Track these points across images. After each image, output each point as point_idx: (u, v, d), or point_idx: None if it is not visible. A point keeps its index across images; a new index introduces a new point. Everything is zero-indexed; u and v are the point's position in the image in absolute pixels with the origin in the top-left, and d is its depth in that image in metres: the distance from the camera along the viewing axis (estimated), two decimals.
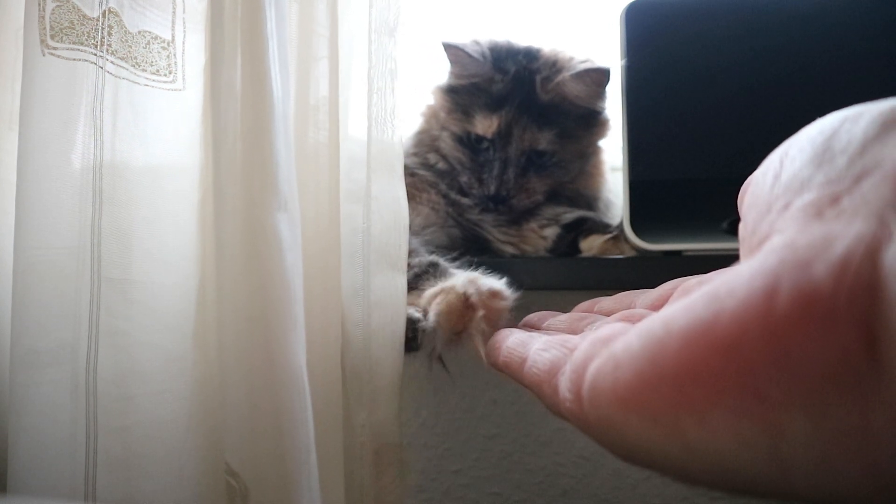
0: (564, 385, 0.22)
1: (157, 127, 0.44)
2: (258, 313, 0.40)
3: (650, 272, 0.55)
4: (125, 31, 0.43)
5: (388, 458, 0.49)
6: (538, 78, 0.63)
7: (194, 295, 0.45)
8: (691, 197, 0.56)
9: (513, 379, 0.29)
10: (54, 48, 0.40)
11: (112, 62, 0.42)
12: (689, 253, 0.56)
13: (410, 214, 0.50)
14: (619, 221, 0.59)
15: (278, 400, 0.39)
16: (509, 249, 0.63)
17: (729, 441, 0.16)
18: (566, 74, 0.61)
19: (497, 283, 0.43)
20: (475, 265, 0.51)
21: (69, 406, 0.40)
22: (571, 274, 0.57)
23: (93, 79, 0.41)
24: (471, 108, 0.64)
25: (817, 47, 0.56)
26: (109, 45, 0.42)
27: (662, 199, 0.57)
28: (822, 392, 0.14)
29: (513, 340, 0.31)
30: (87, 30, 0.42)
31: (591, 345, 0.21)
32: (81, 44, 0.41)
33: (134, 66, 0.43)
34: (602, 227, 0.62)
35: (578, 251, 0.62)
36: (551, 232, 0.63)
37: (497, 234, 0.63)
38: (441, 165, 0.66)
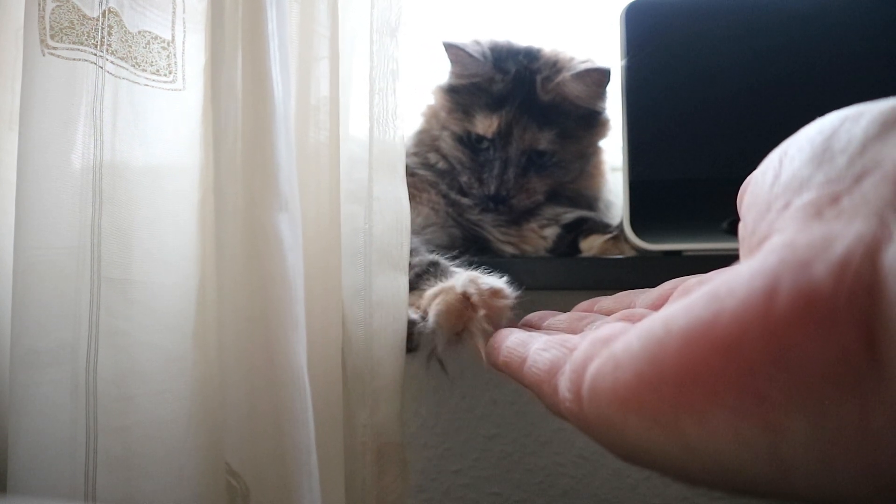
0: (564, 385, 0.22)
1: (157, 127, 0.44)
2: (259, 313, 0.40)
3: (650, 272, 0.55)
4: (125, 31, 0.43)
5: (389, 458, 0.49)
6: (539, 78, 0.63)
7: (194, 295, 0.45)
8: (691, 197, 0.56)
9: (512, 379, 0.29)
10: (54, 48, 0.40)
11: (112, 62, 0.42)
12: (689, 253, 0.56)
13: (411, 214, 0.50)
14: (619, 221, 0.59)
15: (279, 400, 0.39)
16: (509, 249, 0.63)
17: (729, 441, 0.16)
18: (566, 74, 0.61)
19: (498, 282, 0.43)
20: (475, 265, 0.51)
21: (69, 406, 0.40)
22: (571, 274, 0.57)
23: (93, 79, 0.41)
24: (471, 107, 0.64)
25: (817, 47, 0.56)
26: (109, 45, 0.42)
27: (662, 199, 0.57)
28: (822, 392, 0.14)
29: (513, 340, 0.31)
30: (87, 30, 0.42)
31: (591, 345, 0.21)
32: (81, 44, 0.41)
33: (134, 66, 0.43)
34: (602, 227, 0.62)
35: (578, 251, 0.62)
36: (551, 232, 0.63)
37: (497, 234, 0.63)
38: (441, 165, 0.66)
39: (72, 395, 0.41)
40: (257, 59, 0.41)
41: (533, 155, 0.63)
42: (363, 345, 0.48)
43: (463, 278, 0.43)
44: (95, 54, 0.42)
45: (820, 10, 0.56)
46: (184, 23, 0.46)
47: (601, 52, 0.65)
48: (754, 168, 0.21)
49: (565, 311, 0.40)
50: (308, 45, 0.48)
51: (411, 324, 0.46)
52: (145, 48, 0.44)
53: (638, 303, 0.35)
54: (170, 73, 0.45)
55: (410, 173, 0.61)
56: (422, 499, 0.66)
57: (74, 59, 0.41)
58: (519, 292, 0.43)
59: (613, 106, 0.63)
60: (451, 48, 0.63)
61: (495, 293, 0.42)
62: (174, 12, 0.45)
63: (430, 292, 0.45)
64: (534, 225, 0.64)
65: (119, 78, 0.43)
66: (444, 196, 0.64)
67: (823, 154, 0.18)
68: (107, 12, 0.42)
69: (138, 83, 0.43)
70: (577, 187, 0.67)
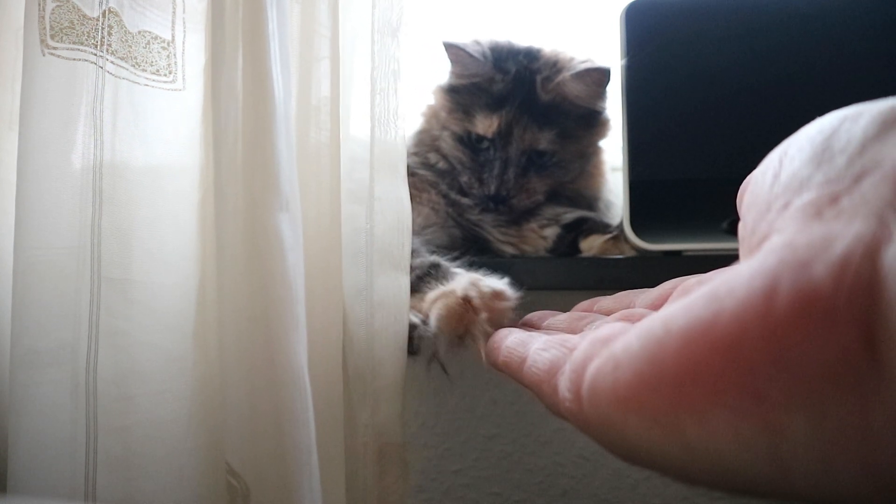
0: (564, 385, 0.22)
1: (157, 127, 0.44)
2: (259, 313, 0.40)
3: (650, 272, 0.55)
4: (125, 31, 0.43)
5: (390, 458, 0.49)
6: (539, 78, 0.63)
7: (195, 295, 0.45)
8: (691, 197, 0.56)
9: (512, 379, 0.29)
10: (54, 48, 0.40)
11: (112, 62, 0.42)
12: (689, 253, 0.56)
13: (411, 214, 0.50)
14: (619, 221, 0.59)
15: (279, 400, 0.39)
16: (509, 249, 0.63)
17: (729, 441, 0.16)
18: (566, 74, 0.61)
19: (499, 284, 0.43)
20: (475, 265, 0.51)
21: (69, 406, 0.40)
22: (571, 274, 0.57)
23: (93, 79, 0.41)
24: (471, 107, 0.64)
25: (817, 47, 0.56)
26: (109, 45, 0.42)
27: (662, 199, 0.57)
28: (822, 392, 0.14)
29: (512, 340, 0.31)
30: (87, 30, 0.42)
31: (591, 344, 0.21)
32: (81, 44, 0.41)
33: (134, 66, 0.43)
34: (602, 227, 0.62)
35: (578, 251, 0.62)
36: (551, 232, 0.63)
37: (497, 235, 0.63)
38: (441, 165, 0.66)
39: (72, 395, 0.41)
40: (258, 59, 0.41)
41: (533, 155, 0.63)
42: (364, 345, 0.48)
43: (464, 281, 0.43)
44: (95, 54, 0.42)
45: (820, 10, 0.56)
46: (184, 23, 0.46)
47: (601, 53, 0.65)
48: (754, 168, 0.21)
49: (565, 311, 0.40)
50: (309, 45, 0.48)
51: (413, 327, 0.46)
52: (145, 48, 0.44)
53: (637, 303, 0.35)
54: (170, 73, 0.45)
55: (410, 173, 0.61)
56: (422, 499, 0.66)
57: (74, 59, 0.41)
58: (520, 293, 0.43)
59: (613, 106, 0.63)
60: (451, 48, 0.63)
61: (496, 295, 0.41)
62: (174, 12, 0.45)
63: (431, 295, 0.45)
64: (534, 225, 0.64)
65: (119, 78, 0.43)
66: (445, 196, 0.64)
67: (823, 154, 0.18)
68: (107, 12, 0.42)
69: (138, 83, 0.43)
70: (577, 187, 0.67)
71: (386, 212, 0.49)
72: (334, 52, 0.48)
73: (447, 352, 0.43)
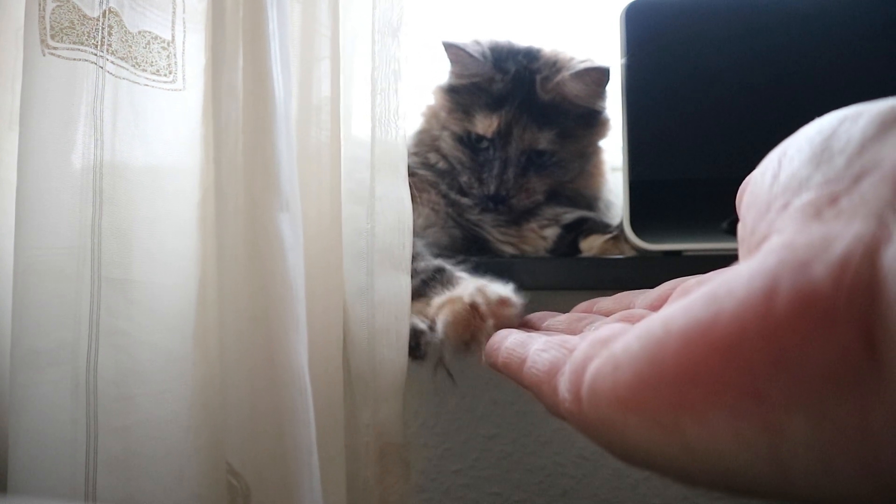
0: (564, 386, 0.22)
1: (157, 127, 0.44)
2: (260, 313, 0.40)
3: (650, 272, 0.55)
4: (125, 31, 0.43)
5: (392, 458, 0.49)
6: (538, 77, 0.63)
7: (195, 295, 0.45)
8: (691, 197, 0.56)
9: (512, 379, 0.29)
10: (54, 48, 0.40)
11: (112, 62, 0.42)
12: (689, 253, 0.56)
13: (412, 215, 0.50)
14: (619, 221, 0.59)
15: (280, 400, 0.39)
16: (509, 250, 0.63)
17: (728, 441, 0.16)
18: (566, 74, 0.61)
19: (505, 290, 0.43)
20: (476, 266, 0.51)
21: (69, 406, 0.41)
22: (571, 274, 0.57)
23: (93, 79, 0.42)
24: (471, 107, 0.64)
25: (817, 47, 0.56)
26: (110, 45, 0.42)
27: (662, 199, 0.57)
28: (822, 392, 0.14)
29: (512, 341, 0.31)
30: (88, 30, 0.42)
31: (591, 345, 0.21)
32: (82, 44, 0.41)
33: (134, 66, 0.43)
34: (602, 227, 0.62)
35: (578, 251, 0.62)
36: (551, 232, 0.63)
37: (497, 235, 0.63)
38: (441, 165, 0.66)
39: (72, 395, 0.41)
40: (258, 59, 0.41)
41: (532, 155, 0.63)
42: (366, 345, 0.48)
43: (470, 288, 0.43)
44: (96, 54, 0.42)
45: (820, 10, 0.56)
46: (184, 23, 0.46)
47: (601, 53, 0.65)
48: (754, 168, 0.21)
49: (565, 312, 0.40)
50: (310, 45, 0.48)
51: (419, 333, 0.46)
52: (145, 48, 0.44)
53: (637, 303, 0.35)
54: (170, 73, 0.45)
55: (410, 174, 0.61)
56: (422, 499, 0.66)
57: (75, 59, 0.41)
58: (525, 301, 0.43)
59: (613, 106, 0.63)
60: (450, 48, 0.63)
61: (503, 302, 0.42)
62: (174, 12, 0.45)
63: (437, 301, 0.45)
64: (534, 225, 0.64)
65: (119, 78, 0.43)
66: (445, 196, 0.64)
67: (822, 154, 0.18)
68: (107, 12, 0.42)
69: (138, 83, 0.43)
70: (576, 187, 0.67)
71: (387, 212, 0.49)
72: (335, 52, 0.48)
73: (453, 358, 0.43)
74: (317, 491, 0.41)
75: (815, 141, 0.19)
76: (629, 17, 0.58)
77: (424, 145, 0.67)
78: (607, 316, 0.35)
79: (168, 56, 0.45)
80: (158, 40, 0.45)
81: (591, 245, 0.61)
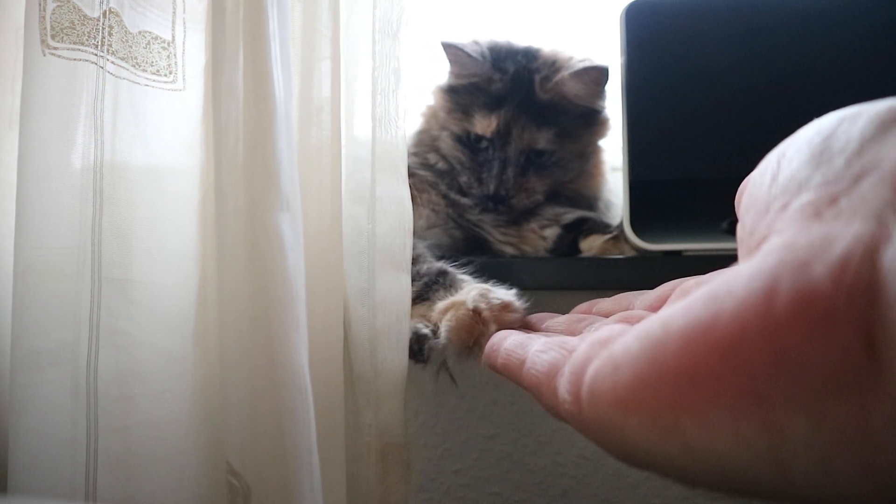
0: (563, 387, 0.22)
1: (157, 127, 0.44)
2: (260, 313, 0.40)
3: (650, 272, 0.55)
4: (125, 32, 0.43)
5: (393, 459, 0.49)
6: (537, 77, 0.63)
7: (195, 295, 0.45)
8: (691, 197, 0.56)
9: (511, 381, 0.29)
10: (55, 48, 0.41)
11: (112, 62, 0.42)
12: (689, 253, 0.56)
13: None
14: (619, 221, 0.59)
15: (280, 400, 0.40)
16: (509, 250, 0.63)
17: (728, 442, 0.16)
18: (565, 73, 0.61)
19: (508, 295, 0.43)
20: (477, 266, 0.51)
21: (70, 406, 0.41)
22: (571, 274, 0.57)
23: (93, 79, 0.42)
24: (470, 107, 0.64)
25: (817, 47, 0.56)
26: (110, 46, 0.42)
27: (662, 199, 0.57)
28: (822, 392, 0.14)
29: (511, 342, 0.31)
30: (88, 30, 0.42)
31: (590, 346, 0.21)
32: (82, 44, 0.41)
33: (134, 66, 0.43)
34: (602, 227, 0.62)
35: (578, 251, 0.62)
36: (551, 232, 0.63)
37: (497, 235, 0.63)
38: (441, 165, 0.66)
39: (72, 396, 0.41)
40: (258, 59, 0.41)
41: (532, 154, 0.63)
42: (367, 345, 0.48)
43: (473, 293, 0.44)
44: (96, 54, 0.42)
45: (820, 10, 0.56)
46: (184, 23, 0.46)
47: (601, 53, 0.65)
48: (754, 168, 0.21)
49: (565, 312, 0.40)
50: (311, 45, 0.48)
51: (423, 338, 0.46)
52: (146, 48, 0.44)
53: (637, 304, 0.35)
54: (170, 73, 0.45)
55: (410, 174, 0.61)
56: (422, 499, 0.66)
57: (75, 60, 0.41)
58: (527, 305, 0.43)
59: (613, 106, 0.62)
60: (449, 48, 0.63)
61: (505, 307, 0.42)
62: (174, 12, 0.45)
63: (440, 306, 0.46)
64: (534, 225, 0.64)
65: (119, 78, 0.43)
66: (444, 196, 0.64)
67: (821, 155, 0.18)
68: (107, 12, 0.42)
69: (139, 83, 0.44)
70: (576, 187, 0.67)
71: (387, 212, 0.49)
72: (335, 52, 0.48)
73: (456, 362, 0.44)
74: (317, 491, 0.41)
75: (814, 142, 0.19)
76: (629, 17, 0.58)
77: (424, 145, 0.67)
78: (607, 317, 0.35)
79: (168, 56, 0.45)
80: (159, 40, 0.45)
81: (591, 245, 0.61)
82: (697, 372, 0.16)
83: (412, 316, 0.48)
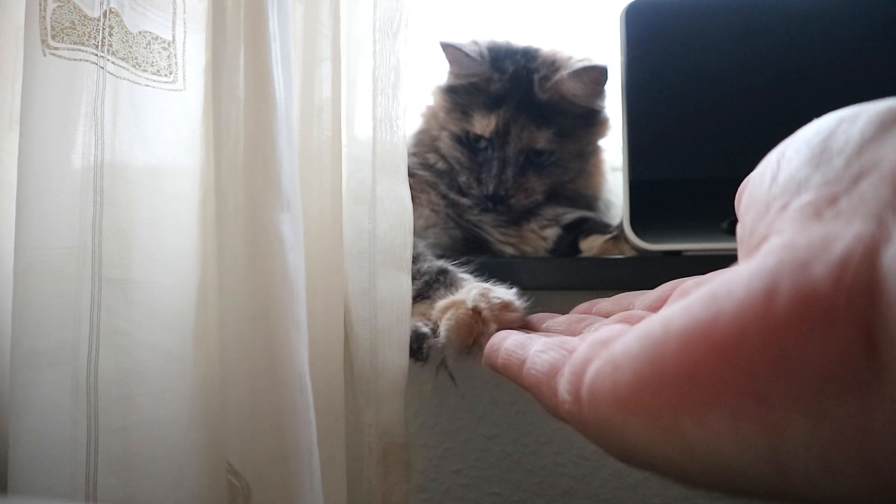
0: (563, 387, 0.22)
1: (157, 127, 0.44)
2: (260, 313, 0.40)
3: (650, 272, 0.55)
4: (126, 32, 0.43)
5: (394, 458, 0.49)
6: (536, 77, 0.63)
7: (195, 295, 0.45)
8: (691, 197, 0.56)
9: (511, 381, 0.29)
10: (55, 48, 0.41)
11: (113, 62, 0.42)
12: (689, 253, 0.56)
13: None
14: (619, 221, 0.59)
15: (280, 400, 0.40)
16: (509, 250, 0.63)
17: (728, 442, 0.16)
18: (564, 73, 0.61)
19: (508, 295, 0.43)
20: (477, 266, 0.51)
21: (70, 406, 0.41)
22: (571, 274, 0.57)
23: (93, 79, 0.42)
24: (469, 107, 0.64)
25: (817, 47, 0.56)
26: (110, 46, 0.42)
27: (662, 199, 0.57)
28: (822, 392, 0.14)
29: (511, 342, 0.31)
30: (88, 30, 0.42)
31: (590, 346, 0.21)
32: (82, 44, 0.41)
33: (135, 66, 0.43)
34: (602, 227, 0.62)
35: (578, 251, 0.62)
36: (551, 232, 0.63)
37: (497, 235, 0.63)
38: (440, 165, 0.66)
39: (72, 396, 0.41)
40: (259, 59, 0.41)
41: (531, 154, 0.63)
42: (368, 345, 0.48)
43: (473, 293, 0.44)
44: (96, 55, 0.42)
45: (820, 10, 0.56)
46: (184, 23, 0.46)
47: (601, 53, 0.65)
48: (754, 168, 0.21)
49: (565, 312, 0.40)
50: (311, 46, 0.48)
51: (422, 336, 0.46)
52: (146, 48, 0.44)
53: (636, 304, 0.35)
54: (170, 73, 0.45)
55: (409, 174, 0.61)
56: (422, 499, 0.66)
57: (75, 60, 0.41)
58: (528, 304, 0.43)
59: (613, 106, 0.62)
60: (448, 48, 0.63)
61: (505, 307, 0.42)
62: (175, 13, 0.45)
63: (440, 305, 0.46)
64: (534, 225, 0.64)
65: (120, 78, 0.43)
66: (444, 197, 0.64)
67: (821, 155, 0.18)
68: (108, 13, 0.42)
69: (139, 83, 0.44)
70: (576, 187, 0.67)
71: (388, 212, 0.49)
72: (336, 52, 0.48)
73: (456, 361, 0.44)
74: (317, 491, 0.41)
75: (813, 142, 0.19)
76: (629, 17, 0.58)
77: (423, 146, 0.67)
78: (607, 317, 0.35)
79: (168, 56, 0.45)
80: (159, 40, 0.45)
81: (591, 245, 0.61)
82: (697, 372, 0.16)
83: (412, 314, 0.48)
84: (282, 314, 0.40)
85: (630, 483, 0.64)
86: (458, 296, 0.45)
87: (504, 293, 0.43)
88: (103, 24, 0.42)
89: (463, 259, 0.53)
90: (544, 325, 0.39)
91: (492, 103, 0.63)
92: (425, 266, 0.51)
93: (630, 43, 0.58)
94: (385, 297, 0.48)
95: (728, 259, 0.20)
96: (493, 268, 0.52)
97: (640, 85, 0.58)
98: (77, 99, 0.41)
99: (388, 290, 0.48)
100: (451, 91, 0.66)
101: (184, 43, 0.46)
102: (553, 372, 0.24)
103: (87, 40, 0.41)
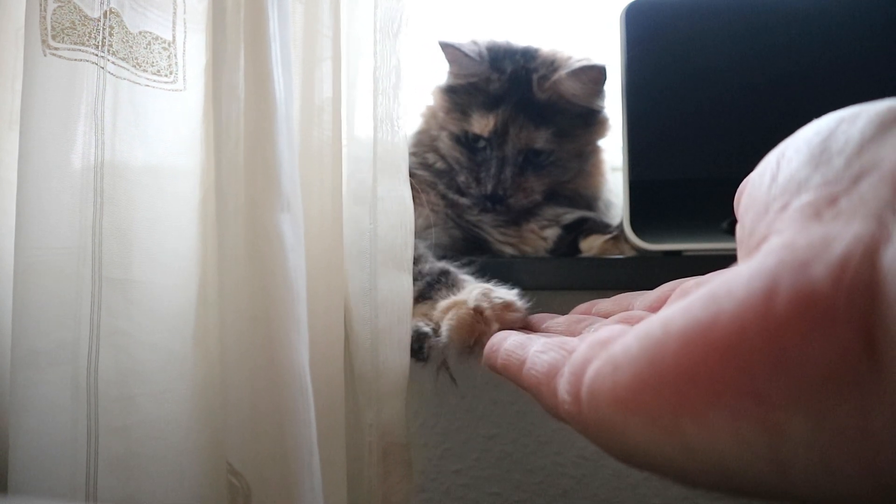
0: (563, 387, 0.22)
1: (157, 127, 0.44)
2: (260, 313, 0.40)
3: (650, 272, 0.55)
4: (126, 32, 0.43)
5: (395, 458, 0.49)
6: (535, 77, 0.63)
7: (195, 295, 0.45)
8: (691, 197, 0.56)
9: (511, 381, 0.29)
10: (55, 48, 0.41)
11: (113, 62, 0.42)
12: (689, 253, 0.56)
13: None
14: (619, 221, 0.59)
15: (281, 400, 0.40)
16: (509, 250, 0.63)
17: (728, 442, 0.16)
18: (562, 72, 0.61)
19: (509, 295, 0.43)
20: (477, 266, 0.51)
21: (70, 406, 0.41)
22: (571, 274, 0.57)
23: (94, 79, 0.42)
24: (468, 107, 0.64)
25: (817, 47, 0.56)
26: (110, 46, 0.42)
27: (662, 199, 0.57)
28: (822, 392, 0.14)
29: (511, 343, 0.31)
30: (89, 30, 0.42)
31: (590, 347, 0.21)
32: (83, 44, 0.41)
33: (135, 66, 0.43)
34: (602, 228, 0.62)
35: (578, 251, 0.62)
36: (552, 233, 0.63)
37: (497, 235, 0.63)
38: (439, 165, 0.66)
39: (73, 396, 0.41)
40: (259, 60, 0.41)
41: (530, 154, 0.63)
42: (369, 345, 0.48)
43: (475, 293, 0.44)
44: (97, 55, 0.42)
45: (820, 10, 0.56)
46: (185, 23, 0.46)
47: (601, 53, 0.65)
48: (754, 168, 0.21)
49: (565, 312, 0.40)
50: (312, 46, 0.48)
51: (424, 336, 0.46)
52: (146, 49, 0.44)
53: (636, 305, 0.35)
54: (171, 73, 0.45)
55: (409, 174, 0.61)
56: (422, 499, 0.66)
57: (76, 60, 0.41)
58: (529, 304, 0.43)
59: (613, 106, 0.62)
60: (447, 48, 0.63)
61: (507, 307, 0.42)
62: (175, 13, 0.45)
63: (442, 305, 0.46)
64: (534, 226, 0.63)
65: (120, 78, 0.43)
66: (443, 197, 0.64)
67: (821, 155, 0.18)
68: (108, 13, 0.42)
69: (139, 83, 0.44)
70: (575, 187, 0.67)
71: (389, 212, 0.49)
72: (336, 52, 0.48)
73: (457, 361, 0.44)
74: (317, 491, 0.41)
75: (813, 142, 0.19)
76: (629, 17, 0.58)
77: (423, 146, 0.67)
78: (606, 317, 0.35)
79: (169, 56, 0.45)
80: (159, 41, 0.45)
81: (591, 245, 0.61)
82: (697, 372, 0.16)
83: (414, 315, 0.48)
84: (282, 314, 0.40)
85: (630, 483, 0.64)
86: (460, 296, 0.45)
87: (506, 293, 0.44)
88: (103, 25, 0.42)
89: (464, 260, 0.53)
90: (544, 326, 0.39)
91: (490, 103, 0.63)
92: (427, 267, 0.51)
93: (630, 43, 0.58)
94: (386, 297, 0.48)
95: (728, 259, 0.20)
96: (493, 268, 0.52)
97: (640, 85, 0.58)
98: (77, 99, 0.41)
99: (388, 290, 0.48)
100: (450, 91, 0.65)
101: (184, 43, 0.46)
102: (553, 372, 0.24)
103: (88, 40, 0.42)
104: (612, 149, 0.67)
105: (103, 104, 0.42)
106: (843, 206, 0.16)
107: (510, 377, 0.29)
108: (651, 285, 0.35)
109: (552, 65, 0.63)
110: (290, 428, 0.40)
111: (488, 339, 0.39)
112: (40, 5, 0.40)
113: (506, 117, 0.62)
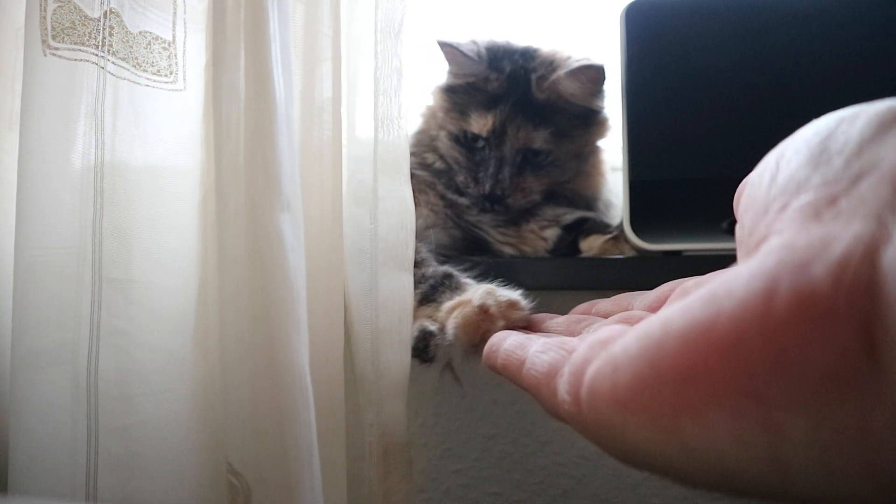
0: (563, 387, 0.22)
1: (157, 127, 0.44)
2: (260, 313, 0.40)
3: (650, 272, 0.55)
4: (126, 32, 0.43)
5: (395, 458, 0.49)
6: (534, 76, 0.62)
7: (196, 295, 0.45)
8: (691, 197, 0.56)
9: (511, 381, 0.29)
10: (56, 48, 0.41)
11: (113, 62, 0.42)
12: (689, 253, 0.56)
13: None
14: (619, 221, 0.59)
15: (281, 400, 0.40)
16: (508, 250, 0.63)
17: (728, 442, 0.16)
18: (560, 72, 0.61)
19: (514, 294, 0.43)
20: (479, 269, 0.51)
21: (70, 406, 0.41)
22: (571, 274, 0.57)
23: (94, 79, 0.42)
24: (467, 107, 0.64)
25: (817, 47, 0.56)
26: (111, 46, 0.42)
27: (662, 199, 0.57)
28: (822, 393, 0.14)
29: (511, 342, 0.31)
30: (89, 30, 0.42)
31: (590, 347, 0.21)
32: (83, 44, 0.41)
33: (135, 66, 0.43)
34: (602, 228, 0.62)
35: (578, 251, 0.62)
36: (551, 233, 0.63)
37: (496, 235, 0.63)
38: (438, 165, 0.66)
39: (73, 396, 0.41)
40: (259, 60, 0.41)
41: (528, 154, 0.63)
42: (369, 345, 0.48)
43: (480, 292, 0.44)
44: (97, 55, 0.42)
45: (820, 10, 0.56)
46: (185, 23, 0.46)
47: (602, 53, 0.64)
48: (754, 168, 0.21)
49: (565, 312, 0.40)
50: (312, 46, 0.48)
51: (429, 335, 0.46)
52: (146, 49, 0.44)
53: (636, 305, 0.35)
54: (171, 73, 0.45)
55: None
56: (422, 499, 0.66)
57: (76, 60, 0.41)
58: (533, 304, 0.43)
59: (613, 106, 0.62)
60: (446, 47, 0.63)
61: (512, 305, 0.42)
62: (175, 13, 0.45)
63: (447, 305, 0.46)
64: (533, 226, 0.63)
65: (120, 78, 0.43)
66: (442, 197, 0.64)
67: (820, 156, 0.18)
68: (108, 13, 0.42)
69: (139, 83, 0.44)
70: (574, 187, 0.67)
71: (390, 212, 0.49)
72: (336, 52, 0.48)
73: (463, 360, 0.44)
74: (317, 491, 0.41)
75: (812, 142, 0.19)
76: (629, 17, 0.58)
77: (422, 145, 0.67)
78: (606, 317, 0.35)
79: (169, 56, 0.45)
80: (159, 41, 0.45)
81: (591, 245, 0.61)
82: (697, 372, 0.16)
83: (418, 317, 0.48)
84: (282, 314, 0.40)
85: (630, 483, 0.64)
86: (465, 296, 0.45)
87: (510, 293, 0.44)
88: (103, 25, 0.42)
89: (466, 264, 0.53)
90: (543, 326, 0.39)
91: (489, 103, 0.62)
92: (430, 270, 0.51)
93: (630, 43, 0.58)
94: (387, 297, 0.48)
95: (728, 259, 0.20)
96: (493, 268, 0.52)
97: (640, 85, 0.58)
98: (77, 99, 0.41)
99: (389, 290, 0.48)
100: (449, 91, 0.65)
101: (184, 43, 0.46)
102: (552, 372, 0.24)
103: (88, 40, 0.42)
104: (612, 149, 0.67)
105: (103, 104, 0.42)
106: (842, 206, 0.16)
107: (510, 377, 0.29)
108: (651, 285, 0.35)
109: (551, 65, 0.63)
110: (290, 428, 0.40)
111: None
112: (40, 5, 0.40)
113: (504, 117, 0.62)
